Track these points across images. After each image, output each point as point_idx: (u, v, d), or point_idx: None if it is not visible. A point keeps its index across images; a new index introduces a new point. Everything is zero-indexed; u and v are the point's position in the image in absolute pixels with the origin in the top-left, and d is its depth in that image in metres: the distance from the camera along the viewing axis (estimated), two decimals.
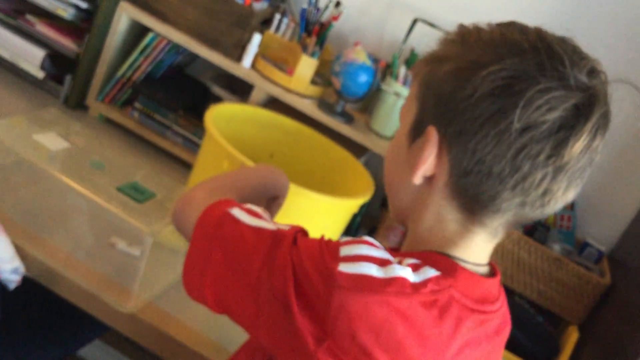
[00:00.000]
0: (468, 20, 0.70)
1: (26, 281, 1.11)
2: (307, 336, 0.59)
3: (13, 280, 1.07)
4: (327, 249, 0.62)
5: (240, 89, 1.74)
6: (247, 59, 1.60)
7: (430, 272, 0.64)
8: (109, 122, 1.72)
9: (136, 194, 1.20)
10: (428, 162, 0.66)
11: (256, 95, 1.60)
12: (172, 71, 1.80)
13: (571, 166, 0.63)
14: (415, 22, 1.60)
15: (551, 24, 0.68)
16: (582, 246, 1.70)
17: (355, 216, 1.62)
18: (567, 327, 1.61)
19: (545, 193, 0.64)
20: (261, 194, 0.86)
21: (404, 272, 0.62)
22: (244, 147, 1.50)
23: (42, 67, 1.66)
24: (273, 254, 0.63)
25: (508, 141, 0.61)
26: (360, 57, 1.52)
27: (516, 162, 0.62)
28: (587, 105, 0.62)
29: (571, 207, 1.72)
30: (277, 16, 1.66)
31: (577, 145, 0.62)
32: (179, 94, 1.73)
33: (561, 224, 1.73)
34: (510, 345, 1.55)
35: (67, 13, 1.61)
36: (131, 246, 1.22)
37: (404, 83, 1.55)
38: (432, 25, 1.58)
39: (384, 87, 1.56)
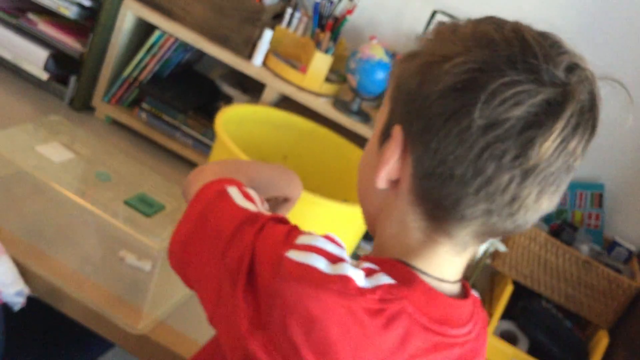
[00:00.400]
0: (489, 13, 0.63)
1: (32, 298, 1.06)
2: (243, 319, 0.56)
3: (17, 302, 1.01)
4: (289, 236, 0.60)
5: (252, 87, 1.67)
6: (258, 57, 1.53)
7: (384, 279, 0.59)
8: (116, 123, 1.65)
9: (145, 207, 1.14)
10: (391, 164, 0.62)
11: (268, 94, 1.54)
12: (181, 69, 1.73)
13: (542, 170, 0.56)
14: (434, 14, 1.52)
15: (538, 20, 0.62)
16: (611, 245, 1.63)
17: None
18: (597, 332, 1.54)
19: (513, 200, 0.57)
20: (269, 190, 0.84)
21: (354, 273, 0.57)
22: (256, 149, 1.44)
23: (46, 68, 1.60)
24: (242, 231, 0.61)
25: (471, 140, 0.55)
26: (377, 53, 1.45)
27: (479, 163, 0.56)
28: (559, 101, 0.55)
29: (599, 204, 1.65)
30: (289, 10, 1.58)
31: (546, 146, 0.55)
32: (188, 93, 1.66)
33: (589, 223, 1.65)
34: (538, 352, 1.49)
35: (69, 11, 1.55)
36: (141, 260, 1.16)
37: None
38: (452, 17, 1.50)
39: None
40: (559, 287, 1.53)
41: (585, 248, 1.56)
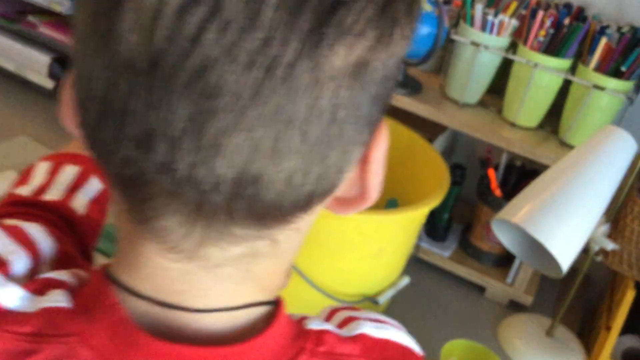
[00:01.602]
0: None
1: None
2: None
3: None
4: None
5: None
6: None
7: (55, 301, 0.37)
8: None
9: (113, 247, 0.91)
10: (68, 111, 0.37)
11: None
12: None
13: (172, 65, 0.29)
14: None
15: None
16: None
17: (441, 211, 1.23)
18: None
19: (147, 130, 0.30)
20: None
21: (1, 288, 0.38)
22: None
23: (50, 75, 1.42)
24: None
25: (78, 32, 0.33)
26: None
27: (86, 60, 0.32)
28: None
29: None
30: None
31: (146, 15, 0.29)
32: None
33: None
34: None
35: (62, 7, 1.35)
36: None
37: (484, 28, 1.11)
38: None
39: (454, 37, 1.13)
40: None
41: None
